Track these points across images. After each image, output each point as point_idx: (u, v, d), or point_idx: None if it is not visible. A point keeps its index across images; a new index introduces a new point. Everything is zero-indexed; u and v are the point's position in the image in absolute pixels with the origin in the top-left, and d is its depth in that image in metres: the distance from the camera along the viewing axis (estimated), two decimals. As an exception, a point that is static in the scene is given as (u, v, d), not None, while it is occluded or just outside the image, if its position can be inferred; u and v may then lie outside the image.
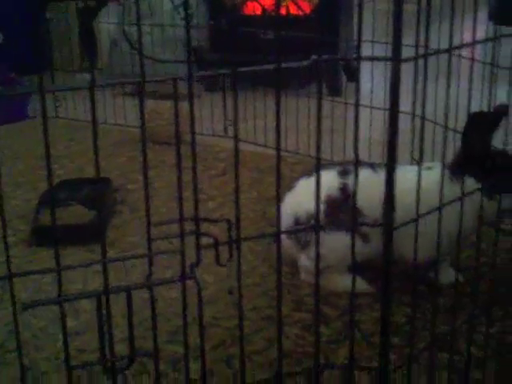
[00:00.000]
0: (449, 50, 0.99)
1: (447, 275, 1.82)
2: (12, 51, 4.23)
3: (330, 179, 1.80)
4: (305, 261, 1.88)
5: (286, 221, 1.85)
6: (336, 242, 1.75)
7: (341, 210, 1.77)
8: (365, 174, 1.76)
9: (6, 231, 0.89)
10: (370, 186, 1.59)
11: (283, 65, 0.86)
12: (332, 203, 1.78)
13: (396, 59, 0.85)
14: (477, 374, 1.47)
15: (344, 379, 1.49)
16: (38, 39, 4.16)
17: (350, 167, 1.81)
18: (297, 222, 1.84)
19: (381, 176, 1.57)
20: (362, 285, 1.81)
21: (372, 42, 2.65)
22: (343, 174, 1.81)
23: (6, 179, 2.78)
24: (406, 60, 0.86)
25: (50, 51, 4.32)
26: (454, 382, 1.46)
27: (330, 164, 1.97)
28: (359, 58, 0.87)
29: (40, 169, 2.88)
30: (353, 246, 1.03)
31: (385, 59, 0.87)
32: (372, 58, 0.92)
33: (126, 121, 3.48)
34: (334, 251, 1.76)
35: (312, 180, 1.79)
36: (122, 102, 3.57)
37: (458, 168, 1.74)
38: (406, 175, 1.42)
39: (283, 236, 1.88)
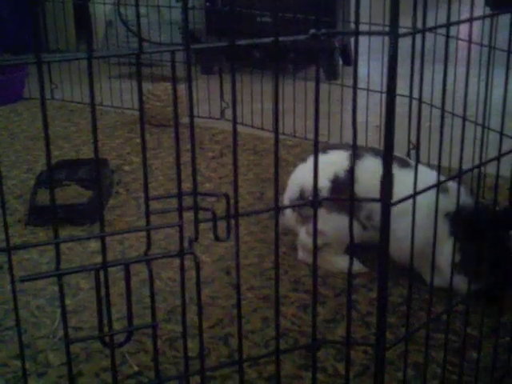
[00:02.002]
0: (447, 26, 0.99)
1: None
2: (5, 31, 4.21)
3: (340, 160, 1.81)
4: (303, 236, 1.88)
5: (292, 191, 1.90)
6: (336, 222, 1.76)
7: (345, 192, 1.76)
8: (374, 161, 1.75)
9: (4, 208, 0.89)
10: (377, 173, 1.50)
11: (281, 38, 0.85)
12: (338, 184, 1.78)
13: (394, 33, 0.84)
14: (473, 353, 1.48)
15: (340, 357, 1.50)
16: (32, 19, 4.13)
17: (363, 152, 1.81)
18: (302, 194, 1.86)
19: None
20: (356, 265, 1.83)
21: (369, 24, 2.64)
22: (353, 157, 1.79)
23: (2, 159, 2.77)
24: (404, 35, 0.86)
25: (45, 32, 4.29)
26: (450, 361, 1.47)
27: (345, 145, 1.98)
28: (357, 33, 0.86)
29: (36, 149, 2.87)
30: (350, 225, 1.03)
31: (382, 34, 0.86)
32: (370, 33, 0.91)
33: (122, 103, 3.47)
34: (334, 230, 1.77)
35: (325, 157, 1.80)
36: (118, 84, 3.56)
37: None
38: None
39: (289, 211, 1.91)
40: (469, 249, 1.61)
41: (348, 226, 1.03)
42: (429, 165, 2.44)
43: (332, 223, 1.77)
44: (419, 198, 1.23)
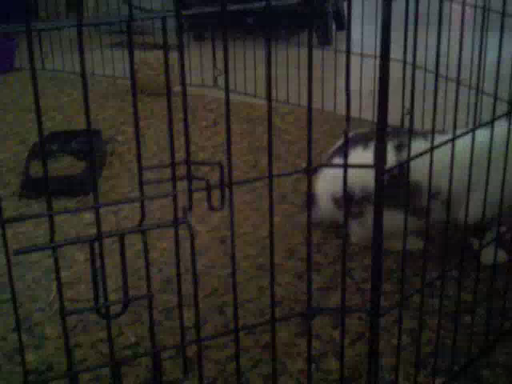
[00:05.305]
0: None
1: (490, 254, 1.60)
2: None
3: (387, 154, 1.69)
4: (356, 228, 1.82)
5: (334, 188, 1.80)
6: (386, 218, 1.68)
7: (397, 186, 1.67)
8: (419, 144, 1.63)
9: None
10: (425, 157, 1.45)
11: (273, 3, 0.84)
12: (390, 179, 1.59)
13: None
14: (466, 318, 1.50)
15: (336, 324, 1.51)
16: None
17: (405, 139, 1.71)
18: (350, 194, 1.74)
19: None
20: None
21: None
22: (399, 148, 1.71)
23: (-6, 132, 2.75)
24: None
25: (35, 1, 4.23)
26: (444, 326, 1.48)
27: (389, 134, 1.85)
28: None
29: (28, 121, 2.85)
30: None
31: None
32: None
33: (114, 72, 3.44)
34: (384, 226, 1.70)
35: (369, 153, 1.71)
36: (109, 53, 3.52)
37: None
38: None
39: (330, 205, 1.84)
40: None
41: (399, 220, 1.03)
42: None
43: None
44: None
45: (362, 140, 1.78)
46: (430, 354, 1.40)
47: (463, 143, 1.31)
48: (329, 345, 1.45)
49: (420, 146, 1.40)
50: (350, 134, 1.83)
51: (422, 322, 1.23)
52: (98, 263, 0.91)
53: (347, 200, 1.07)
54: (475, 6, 2.20)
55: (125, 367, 1.38)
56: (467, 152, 1.27)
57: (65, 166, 2.24)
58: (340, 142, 1.88)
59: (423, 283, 1.21)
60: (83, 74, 0.83)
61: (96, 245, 0.90)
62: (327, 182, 1.82)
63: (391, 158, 1.65)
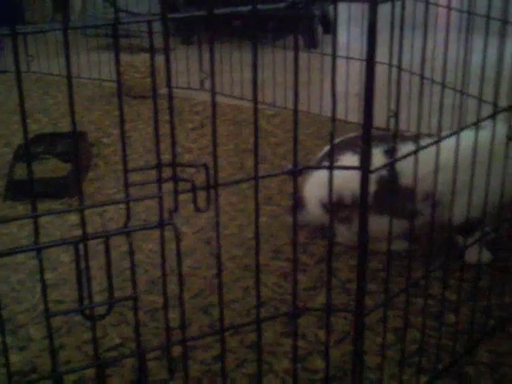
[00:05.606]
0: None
1: (475, 254, 1.69)
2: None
3: (376, 159, 1.67)
4: (345, 232, 1.83)
5: (322, 193, 1.79)
6: (378, 223, 1.63)
7: (389, 191, 1.61)
8: (408, 148, 1.61)
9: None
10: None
11: (260, 7, 0.84)
12: (382, 184, 1.69)
13: (373, 0, 0.84)
14: (451, 317, 1.51)
15: (321, 324, 1.52)
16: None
17: (395, 144, 1.71)
18: (340, 199, 1.75)
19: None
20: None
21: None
22: (389, 153, 1.71)
23: (-22, 134, 2.74)
24: (384, 1, 0.85)
25: (21, 3, 4.22)
26: (429, 325, 1.49)
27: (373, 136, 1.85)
28: (336, 0, 0.86)
29: (13, 123, 2.84)
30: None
31: (362, 1, 0.86)
32: (349, 0, 0.91)
33: (100, 75, 3.44)
34: (375, 231, 1.58)
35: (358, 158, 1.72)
36: (96, 56, 3.51)
37: None
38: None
39: (318, 209, 1.84)
40: None
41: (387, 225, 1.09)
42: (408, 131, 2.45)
43: (374, 225, 1.50)
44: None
45: (351, 145, 1.79)
46: (414, 353, 1.41)
47: (451, 146, 1.31)
48: (314, 344, 1.46)
49: (409, 149, 1.37)
50: (340, 139, 1.85)
51: (406, 321, 1.24)
52: (82, 265, 0.91)
53: (333, 202, 1.08)
54: (461, 11, 2.21)
55: (110, 368, 1.38)
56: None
57: (50, 168, 2.23)
58: (329, 147, 1.89)
59: (408, 283, 1.22)
60: (68, 77, 0.83)
61: (81, 246, 0.90)
62: (316, 187, 1.83)
63: (382, 161, 1.67)
